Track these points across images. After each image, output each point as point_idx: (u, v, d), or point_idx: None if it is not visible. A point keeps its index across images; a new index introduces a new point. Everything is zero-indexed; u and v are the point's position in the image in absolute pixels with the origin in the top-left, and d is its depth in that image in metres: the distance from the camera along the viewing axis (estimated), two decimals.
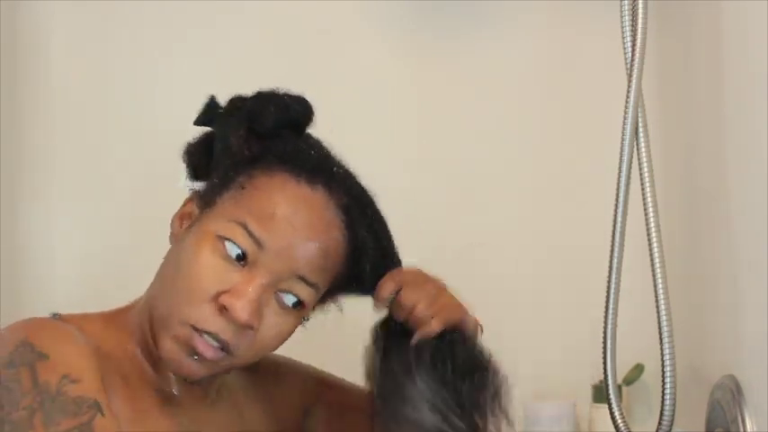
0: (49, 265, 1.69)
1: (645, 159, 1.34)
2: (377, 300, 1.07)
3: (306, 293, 1.02)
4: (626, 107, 1.34)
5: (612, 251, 1.35)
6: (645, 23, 1.33)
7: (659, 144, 1.45)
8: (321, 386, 1.24)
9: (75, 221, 1.72)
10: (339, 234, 1.03)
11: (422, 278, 1.08)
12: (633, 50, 1.34)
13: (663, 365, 1.29)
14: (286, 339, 1.05)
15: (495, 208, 1.72)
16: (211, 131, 1.09)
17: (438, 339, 1.03)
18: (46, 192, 1.70)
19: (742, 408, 1.20)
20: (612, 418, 1.36)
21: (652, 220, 1.33)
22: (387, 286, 1.06)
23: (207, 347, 0.99)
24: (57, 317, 1.02)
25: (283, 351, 1.09)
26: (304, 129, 1.09)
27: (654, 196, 1.33)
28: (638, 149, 1.34)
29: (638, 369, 1.64)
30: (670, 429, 1.31)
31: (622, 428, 1.35)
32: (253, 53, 1.73)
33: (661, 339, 1.29)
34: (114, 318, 1.07)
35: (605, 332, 1.35)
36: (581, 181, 1.71)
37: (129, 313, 1.07)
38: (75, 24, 1.73)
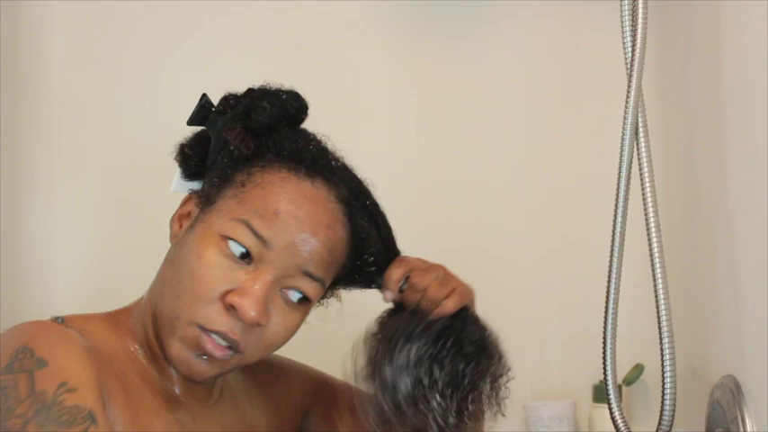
0: (49, 265, 1.69)
1: (645, 159, 1.34)
2: (387, 287, 1.07)
3: (311, 288, 1.02)
4: (626, 107, 1.34)
5: (612, 251, 1.35)
6: (645, 23, 1.33)
7: (659, 144, 1.45)
8: (321, 387, 1.24)
9: (75, 222, 1.72)
10: (342, 227, 1.04)
11: (426, 263, 1.09)
12: (633, 50, 1.34)
13: (663, 365, 1.29)
14: (293, 335, 1.05)
15: (494, 208, 1.72)
16: (204, 130, 1.09)
17: (451, 318, 1.03)
18: (46, 192, 1.70)
19: (742, 408, 1.20)
20: (612, 418, 1.36)
21: (652, 219, 1.33)
22: (396, 272, 1.06)
23: (216, 347, 0.99)
24: (59, 320, 1.01)
25: (284, 351, 1.09)
26: (299, 123, 1.09)
27: (654, 196, 1.33)
28: (638, 149, 1.34)
29: (638, 369, 1.64)
30: (670, 429, 1.31)
31: (622, 428, 1.35)
32: (253, 53, 1.73)
33: (661, 339, 1.29)
34: (116, 318, 1.07)
35: (605, 332, 1.35)
36: (581, 181, 1.72)
37: (130, 313, 1.07)
38: (76, 24, 1.73)
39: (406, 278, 1.06)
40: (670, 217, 1.46)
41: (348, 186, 1.06)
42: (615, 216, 1.35)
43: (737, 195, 1.26)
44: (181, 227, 1.06)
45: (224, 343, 0.99)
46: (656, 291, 1.31)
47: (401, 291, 1.07)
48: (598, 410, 1.58)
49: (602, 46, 1.66)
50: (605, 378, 1.36)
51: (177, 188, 1.10)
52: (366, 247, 1.07)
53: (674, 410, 1.30)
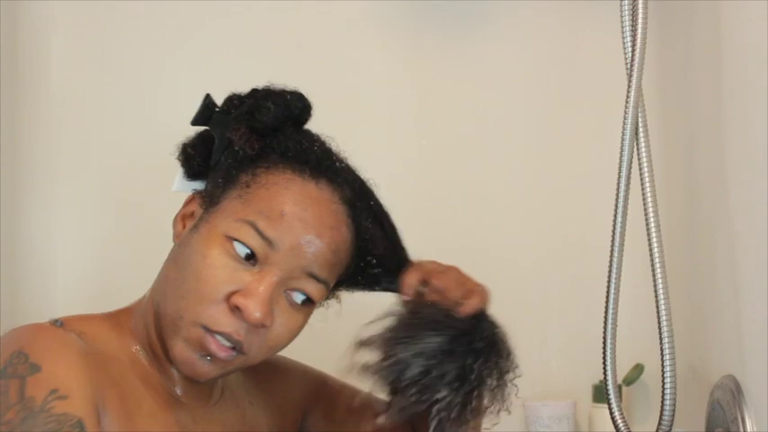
0: (49, 265, 1.69)
1: (645, 159, 1.34)
2: (404, 291, 1.06)
3: (315, 290, 1.02)
4: (626, 107, 1.34)
5: (612, 251, 1.35)
6: (645, 23, 1.33)
7: (659, 144, 1.45)
8: (321, 386, 1.24)
9: (75, 222, 1.72)
10: (346, 228, 1.04)
11: (442, 266, 1.08)
12: (633, 50, 1.34)
13: (663, 365, 1.29)
14: (297, 336, 1.05)
15: (494, 208, 1.72)
16: (207, 130, 1.09)
17: (472, 319, 1.04)
18: (46, 192, 1.70)
19: (742, 408, 1.20)
20: (612, 418, 1.36)
21: (652, 219, 1.33)
22: (413, 276, 1.06)
23: (219, 348, 0.99)
24: (57, 323, 1.01)
25: (284, 350, 1.09)
26: (303, 124, 1.09)
27: (654, 196, 1.33)
28: (638, 149, 1.34)
29: (638, 369, 1.64)
30: (670, 429, 1.31)
31: (622, 428, 1.35)
32: (253, 53, 1.73)
33: (661, 339, 1.29)
34: (117, 318, 1.06)
35: (605, 332, 1.35)
36: (581, 181, 1.72)
37: (132, 313, 1.07)
38: (76, 24, 1.73)
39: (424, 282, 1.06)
40: (670, 217, 1.46)
41: (352, 187, 1.06)
42: (615, 216, 1.35)
43: (737, 195, 1.26)
44: (184, 227, 1.06)
45: (228, 344, 0.99)
46: (656, 291, 1.31)
47: (419, 294, 1.06)
48: (598, 410, 1.58)
49: (602, 46, 1.66)
50: (605, 378, 1.36)
51: (179, 188, 1.10)
52: (370, 249, 1.07)
53: (674, 410, 1.30)
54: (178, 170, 1.11)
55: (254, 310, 0.97)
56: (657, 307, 1.31)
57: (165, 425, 1.01)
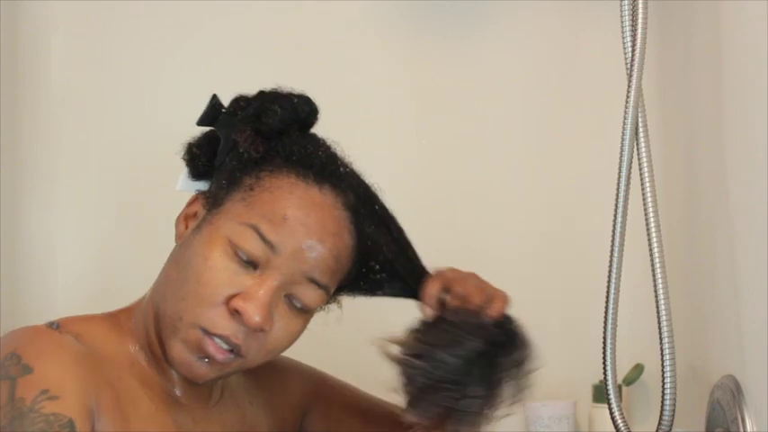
0: (49, 265, 1.69)
1: (645, 159, 1.34)
2: (425, 300, 1.06)
3: (316, 295, 1.02)
4: (626, 107, 1.34)
5: (612, 251, 1.35)
6: (645, 23, 1.33)
7: (659, 144, 1.45)
8: (320, 386, 1.24)
9: (75, 222, 1.72)
10: (348, 235, 1.04)
11: (462, 273, 1.09)
12: (633, 50, 1.34)
13: (663, 365, 1.29)
14: (296, 340, 1.05)
15: (494, 208, 1.72)
16: (213, 130, 1.09)
17: (499, 322, 1.05)
18: (46, 192, 1.70)
19: (742, 408, 1.20)
20: (612, 418, 1.36)
21: (652, 219, 1.33)
22: (434, 286, 1.06)
23: (218, 350, 0.99)
24: (53, 325, 1.00)
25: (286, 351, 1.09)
26: (310, 128, 1.09)
27: (654, 196, 1.33)
28: (638, 149, 1.34)
29: (638, 369, 1.64)
30: (670, 429, 1.31)
31: (622, 428, 1.35)
32: (253, 53, 1.73)
33: (661, 339, 1.29)
34: (117, 319, 1.06)
35: (605, 332, 1.35)
36: (581, 181, 1.72)
37: (132, 313, 1.07)
38: (76, 24, 1.73)
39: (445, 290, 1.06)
40: (670, 217, 1.46)
41: (356, 193, 1.05)
42: (615, 216, 1.35)
43: (737, 195, 1.26)
44: (187, 227, 1.06)
45: (226, 346, 0.99)
46: (656, 291, 1.31)
47: (441, 302, 1.06)
48: (598, 410, 1.58)
49: (602, 46, 1.65)
50: (605, 378, 1.36)
51: (183, 187, 1.10)
52: (372, 255, 1.07)
53: (674, 410, 1.30)
54: (183, 169, 1.10)
55: (254, 314, 0.97)
56: (657, 307, 1.31)
57: (163, 426, 1.01)
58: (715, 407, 1.29)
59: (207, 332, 0.98)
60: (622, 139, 1.34)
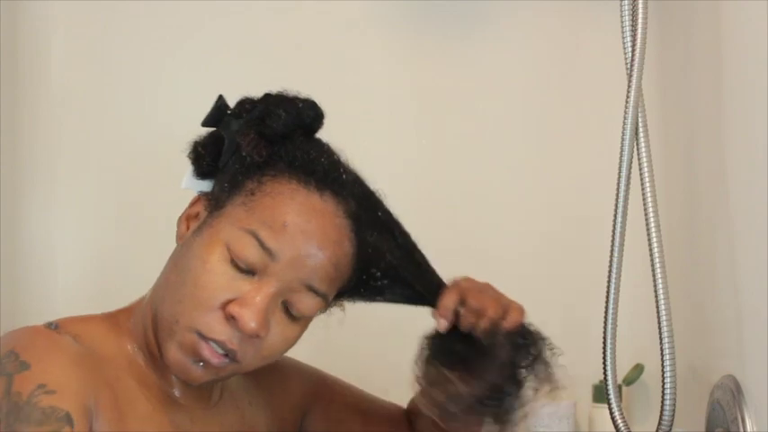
0: (49, 265, 1.69)
1: (645, 159, 1.34)
2: (441, 312, 1.06)
3: (313, 303, 1.02)
4: (626, 107, 1.34)
5: (612, 251, 1.35)
6: (645, 23, 1.33)
7: (659, 144, 1.45)
8: (320, 386, 1.24)
9: (75, 222, 1.72)
10: (348, 243, 1.03)
11: (478, 284, 1.09)
12: (633, 50, 1.34)
13: (663, 365, 1.29)
14: (292, 346, 1.05)
15: (494, 208, 1.72)
16: (218, 131, 1.08)
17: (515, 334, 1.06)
18: (46, 192, 1.70)
19: (742, 408, 1.20)
20: (612, 418, 1.36)
21: (652, 219, 1.33)
22: (451, 298, 1.06)
23: (213, 354, 0.99)
24: (52, 326, 1.00)
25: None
26: (314, 132, 1.08)
27: (654, 196, 1.33)
28: (638, 149, 1.34)
29: (638, 369, 1.64)
30: (670, 429, 1.31)
31: (622, 428, 1.35)
32: (253, 53, 1.73)
33: (661, 339, 1.29)
34: (116, 319, 1.06)
35: (605, 332, 1.35)
36: (581, 181, 1.71)
37: (131, 313, 1.07)
38: (76, 24, 1.73)
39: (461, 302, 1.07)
40: (670, 217, 1.46)
41: (357, 200, 1.05)
42: (615, 216, 1.35)
43: (737, 195, 1.26)
44: (188, 228, 1.06)
45: (221, 351, 0.99)
46: (656, 291, 1.31)
47: (456, 314, 1.06)
48: (598, 410, 1.58)
49: (602, 46, 1.65)
50: (605, 378, 1.36)
51: (188, 185, 1.09)
52: (373, 262, 1.06)
53: (674, 410, 1.30)
54: (188, 167, 1.10)
55: (250, 320, 0.97)
56: (657, 307, 1.31)
57: (161, 426, 1.01)
58: (715, 407, 1.29)
59: (202, 336, 0.98)
60: (622, 139, 1.34)
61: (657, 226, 1.32)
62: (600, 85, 1.70)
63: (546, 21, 1.75)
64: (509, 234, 1.72)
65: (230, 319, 0.98)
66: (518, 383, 1.04)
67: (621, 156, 1.34)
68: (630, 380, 1.63)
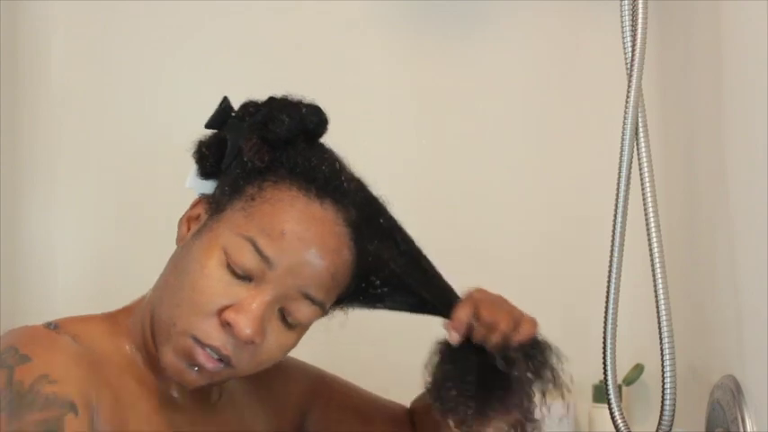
0: (49, 265, 1.69)
1: (645, 159, 1.34)
2: (454, 326, 1.05)
3: (310, 311, 1.01)
4: (626, 107, 1.34)
5: (612, 251, 1.35)
6: (645, 23, 1.33)
7: (659, 144, 1.45)
8: (319, 383, 1.24)
9: (75, 222, 1.72)
10: (347, 251, 1.03)
11: (490, 296, 1.09)
12: (633, 50, 1.34)
13: (663, 365, 1.29)
14: (288, 353, 1.05)
15: (494, 208, 1.72)
16: (222, 132, 1.08)
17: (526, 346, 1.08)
18: (46, 192, 1.70)
19: (742, 408, 1.20)
20: (612, 418, 1.36)
21: (652, 219, 1.33)
22: (465, 311, 1.05)
23: (208, 359, 0.99)
24: (51, 326, 1.00)
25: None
26: (317, 138, 1.07)
27: (654, 196, 1.33)
28: (638, 149, 1.34)
29: (638, 369, 1.64)
30: (670, 429, 1.31)
31: (622, 428, 1.35)
32: (253, 53, 1.73)
33: (661, 339, 1.29)
34: (116, 319, 1.06)
35: (605, 332, 1.35)
36: (581, 181, 1.71)
37: (131, 313, 1.06)
38: (76, 24, 1.73)
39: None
40: (670, 217, 1.46)
41: (358, 208, 1.04)
42: (615, 216, 1.35)
43: (737, 195, 1.26)
44: (189, 230, 1.06)
45: (216, 356, 0.99)
46: (656, 291, 1.31)
47: (469, 327, 1.06)
48: (598, 410, 1.58)
49: (602, 46, 1.65)
50: (605, 378, 1.36)
51: (191, 185, 1.09)
52: (374, 270, 1.06)
53: (674, 410, 1.30)
54: (192, 167, 1.10)
55: (245, 326, 0.97)
56: (657, 307, 1.31)
57: (160, 427, 1.01)
58: (715, 407, 1.29)
59: (198, 341, 0.98)
60: (622, 139, 1.34)
61: (657, 226, 1.32)
62: (600, 85, 1.70)
63: (546, 21, 1.75)
64: (509, 234, 1.72)
65: (226, 325, 0.98)
66: (528, 395, 1.04)
67: (621, 156, 1.34)
68: (630, 380, 1.63)
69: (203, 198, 1.07)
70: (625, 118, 1.34)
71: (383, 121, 1.73)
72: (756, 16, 1.15)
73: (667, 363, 1.29)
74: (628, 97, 1.34)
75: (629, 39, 1.34)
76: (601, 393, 1.53)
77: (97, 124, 1.72)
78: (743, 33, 1.22)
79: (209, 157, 1.07)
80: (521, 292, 1.72)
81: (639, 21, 1.33)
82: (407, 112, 1.74)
